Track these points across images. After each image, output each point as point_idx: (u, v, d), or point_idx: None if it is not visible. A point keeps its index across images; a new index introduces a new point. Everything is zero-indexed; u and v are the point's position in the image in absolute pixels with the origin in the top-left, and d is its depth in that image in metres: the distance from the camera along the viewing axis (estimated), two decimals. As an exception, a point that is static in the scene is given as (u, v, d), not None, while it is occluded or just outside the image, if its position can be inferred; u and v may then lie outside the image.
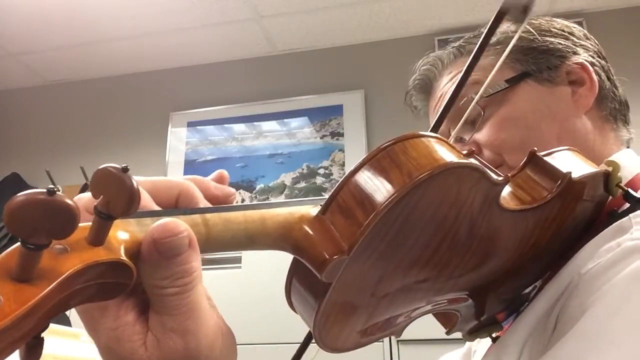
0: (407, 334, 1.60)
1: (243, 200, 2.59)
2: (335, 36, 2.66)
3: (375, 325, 0.43)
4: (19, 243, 0.23)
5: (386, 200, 0.32)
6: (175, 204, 0.38)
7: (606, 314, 0.39)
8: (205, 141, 2.75)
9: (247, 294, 1.93)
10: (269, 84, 2.74)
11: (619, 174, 0.50)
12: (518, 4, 0.58)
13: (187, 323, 0.32)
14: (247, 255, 2.03)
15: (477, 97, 0.63)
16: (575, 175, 0.45)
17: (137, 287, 0.32)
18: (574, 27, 0.72)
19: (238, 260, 2.04)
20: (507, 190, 0.45)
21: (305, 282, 0.36)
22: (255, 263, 2.00)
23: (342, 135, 2.57)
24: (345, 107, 2.61)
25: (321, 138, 2.61)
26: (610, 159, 0.51)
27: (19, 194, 0.22)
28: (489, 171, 0.38)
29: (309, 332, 0.61)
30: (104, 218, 0.26)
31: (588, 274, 0.45)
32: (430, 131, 0.57)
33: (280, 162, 2.63)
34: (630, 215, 0.48)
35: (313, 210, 0.36)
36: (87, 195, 0.33)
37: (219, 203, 0.40)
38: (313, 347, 0.60)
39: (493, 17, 0.56)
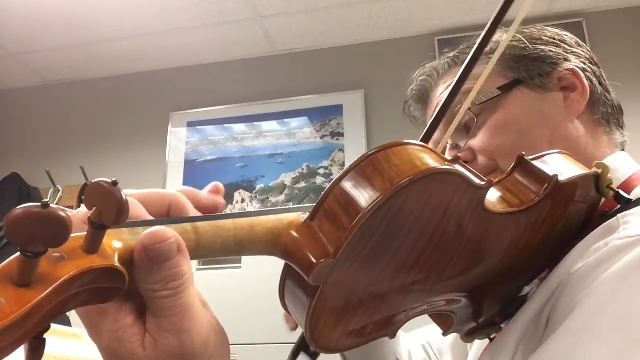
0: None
1: (243, 200, 2.59)
2: (335, 36, 2.66)
3: (369, 326, 0.44)
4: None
5: (369, 205, 0.34)
6: (167, 214, 0.41)
7: (593, 312, 0.40)
8: (205, 141, 2.75)
9: (247, 294, 1.93)
10: (269, 84, 2.74)
11: (609, 175, 0.50)
12: None
13: (181, 323, 0.34)
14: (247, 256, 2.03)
15: (466, 103, 0.65)
16: (563, 177, 0.46)
17: (135, 292, 0.35)
18: (566, 35, 0.74)
19: (238, 260, 2.05)
20: (496, 194, 0.46)
21: (296, 284, 0.38)
22: (255, 263, 2.00)
23: (342, 135, 2.57)
24: (345, 107, 2.61)
25: (321, 138, 2.61)
26: (602, 161, 0.52)
27: (17, 208, 0.25)
28: (471, 176, 0.39)
29: (300, 338, 0.62)
30: (97, 228, 0.29)
31: (577, 274, 0.46)
32: (422, 139, 0.59)
33: (280, 162, 2.63)
34: (619, 215, 0.49)
35: (302, 216, 0.38)
36: (85, 209, 0.36)
37: (209, 212, 0.42)
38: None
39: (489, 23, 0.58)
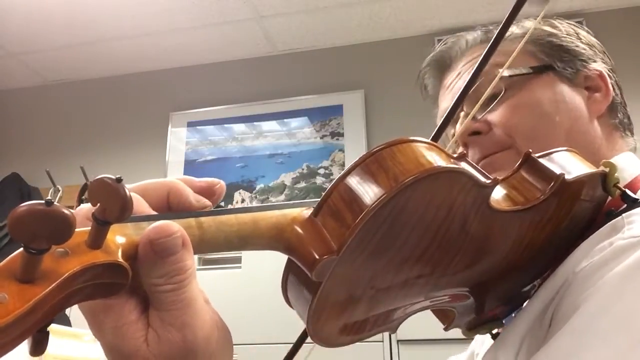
0: (407, 334, 1.61)
1: (243, 200, 2.59)
2: (335, 36, 2.66)
3: (370, 320, 0.44)
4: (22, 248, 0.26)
5: (373, 203, 0.34)
6: (167, 202, 0.41)
7: (597, 311, 0.40)
8: (205, 141, 2.75)
9: (247, 294, 1.93)
10: (269, 84, 2.74)
11: (616, 174, 0.50)
12: None
13: (184, 317, 0.34)
14: (247, 255, 2.03)
15: (504, 68, 0.64)
16: (570, 176, 0.46)
17: (138, 288, 0.35)
18: (596, 42, 0.75)
19: (238, 260, 2.05)
20: (501, 191, 0.45)
21: (299, 279, 0.38)
22: (255, 263, 2.00)
23: (342, 135, 2.57)
24: (345, 107, 2.61)
25: (321, 138, 2.61)
26: (609, 160, 0.51)
27: (21, 205, 0.25)
28: (477, 174, 0.39)
29: (302, 332, 0.62)
30: (101, 224, 0.29)
31: (581, 273, 0.46)
32: (451, 108, 0.58)
33: (280, 162, 2.63)
34: (624, 214, 0.49)
35: (305, 212, 0.38)
36: (89, 205, 0.36)
37: (206, 194, 0.43)
38: (307, 347, 0.60)
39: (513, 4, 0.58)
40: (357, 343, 0.45)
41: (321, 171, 2.55)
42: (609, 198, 0.53)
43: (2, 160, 2.91)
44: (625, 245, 0.44)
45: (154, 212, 0.40)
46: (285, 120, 2.69)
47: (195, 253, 0.35)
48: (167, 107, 2.82)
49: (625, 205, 0.51)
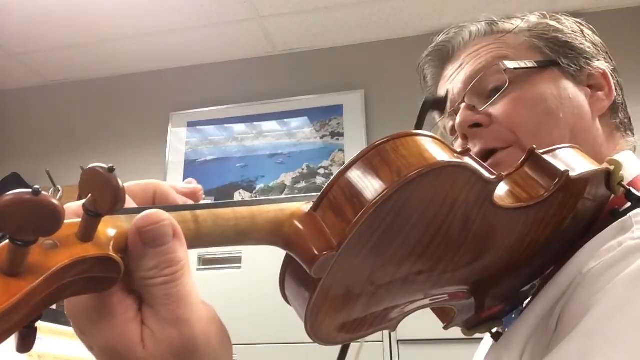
0: (407, 334, 1.61)
1: (243, 200, 2.58)
2: (335, 36, 2.66)
3: (369, 317, 0.43)
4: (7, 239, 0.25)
5: (375, 198, 0.33)
6: (153, 202, 0.40)
7: (609, 313, 0.40)
8: (205, 141, 2.75)
9: (247, 294, 1.93)
10: (269, 84, 2.74)
11: (620, 172, 0.50)
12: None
13: (178, 312, 0.32)
14: (247, 255, 2.03)
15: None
16: (574, 173, 0.45)
17: (132, 286, 0.33)
18: (599, 41, 0.75)
19: (238, 260, 2.04)
20: (504, 187, 0.45)
21: (297, 275, 0.37)
22: (255, 263, 2.00)
23: (342, 135, 2.57)
24: (345, 107, 2.61)
25: (321, 138, 2.61)
26: (614, 158, 0.51)
27: (6, 194, 0.24)
28: (481, 169, 0.38)
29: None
30: (92, 215, 0.27)
31: (590, 274, 0.45)
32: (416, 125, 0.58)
33: (280, 162, 2.63)
34: (631, 214, 0.48)
35: (305, 206, 0.37)
36: (75, 202, 0.35)
37: (189, 198, 0.42)
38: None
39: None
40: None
41: (321, 171, 2.55)
42: (612, 196, 0.53)
43: (2, 160, 2.91)
44: (635, 246, 0.44)
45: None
46: (285, 120, 2.68)
47: (190, 247, 0.34)
48: (167, 107, 2.82)
49: (630, 203, 0.51)
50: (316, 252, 0.33)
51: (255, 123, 2.72)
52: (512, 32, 0.71)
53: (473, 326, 0.56)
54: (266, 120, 2.70)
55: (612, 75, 0.71)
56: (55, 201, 0.24)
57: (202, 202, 0.44)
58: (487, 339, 0.71)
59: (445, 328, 0.54)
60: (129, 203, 0.37)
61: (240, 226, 0.35)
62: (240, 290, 1.95)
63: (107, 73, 2.94)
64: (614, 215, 0.51)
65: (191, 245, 0.34)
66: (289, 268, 0.38)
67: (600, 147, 0.67)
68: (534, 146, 0.48)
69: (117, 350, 0.32)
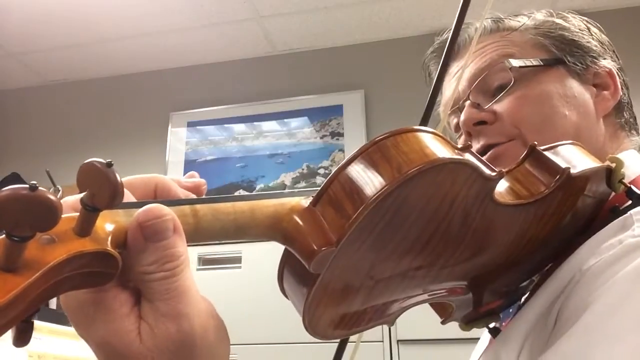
0: (407, 334, 1.61)
1: (243, 200, 2.58)
2: (335, 36, 2.66)
3: (368, 312, 0.43)
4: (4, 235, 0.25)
5: (374, 194, 0.33)
6: (154, 196, 0.40)
7: (609, 311, 0.40)
8: (205, 141, 2.75)
9: (247, 294, 1.93)
10: (269, 84, 2.74)
11: (622, 170, 0.50)
12: None
13: (178, 307, 0.32)
14: (247, 255, 2.03)
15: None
16: (575, 170, 0.45)
17: (129, 281, 0.33)
18: (606, 39, 0.75)
19: (238, 260, 2.04)
20: (504, 184, 0.45)
21: (296, 270, 0.37)
22: (255, 263, 2.00)
23: (342, 135, 2.57)
24: (345, 107, 2.61)
25: (321, 138, 2.61)
26: (615, 156, 0.51)
27: (3, 189, 0.23)
28: (482, 166, 0.38)
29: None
30: (90, 210, 0.27)
31: (590, 271, 0.45)
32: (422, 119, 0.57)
33: (280, 162, 2.63)
34: (632, 212, 0.48)
35: (304, 201, 0.36)
36: (73, 196, 0.35)
37: (193, 193, 0.42)
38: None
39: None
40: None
41: (321, 171, 2.55)
42: (612, 194, 0.53)
43: (2, 160, 2.91)
44: (635, 244, 0.44)
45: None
46: (285, 120, 2.69)
47: (190, 242, 0.34)
48: (167, 107, 2.82)
49: (630, 201, 0.50)
50: (315, 248, 0.33)
51: (255, 123, 2.72)
52: (518, 30, 0.71)
53: (471, 321, 0.55)
54: (266, 120, 2.70)
55: (618, 74, 0.71)
56: (52, 197, 0.24)
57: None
58: (484, 337, 0.71)
59: (443, 323, 0.54)
60: (128, 197, 0.37)
61: (239, 220, 0.35)
62: (240, 290, 1.95)
63: (107, 73, 2.94)
64: (614, 213, 0.51)
65: (190, 239, 0.34)
66: (287, 262, 0.38)
67: (603, 146, 0.67)
68: (535, 142, 0.48)
69: (112, 345, 0.32)
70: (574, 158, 0.47)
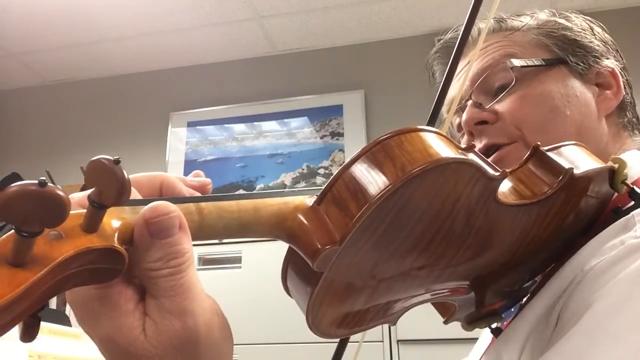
0: (407, 334, 1.61)
1: (243, 200, 2.58)
2: (335, 36, 2.66)
3: (370, 311, 0.43)
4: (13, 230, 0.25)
5: (378, 193, 0.33)
6: (160, 194, 0.40)
7: (610, 311, 0.40)
8: (205, 141, 2.75)
9: (247, 294, 1.93)
10: (269, 84, 2.74)
11: (625, 171, 0.50)
12: None
13: (184, 303, 0.33)
14: (247, 255, 2.03)
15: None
16: (578, 170, 0.45)
17: (134, 278, 0.34)
18: (609, 38, 0.74)
19: (238, 260, 2.04)
20: (507, 184, 0.45)
21: (299, 268, 0.37)
22: (255, 263, 2.00)
23: (342, 135, 2.57)
24: (345, 107, 2.61)
25: (321, 138, 2.61)
26: (618, 156, 0.51)
27: (12, 185, 0.24)
28: (485, 166, 0.38)
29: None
30: (97, 207, 0.27)
31: (592, 271, 0.45)
32: (428, 121, 0.57)
33: (280, 162, 2.63)
34: (634, 212, 0.48)
35: (308, 200, 0.37)
36: (81, 193, 0.35)
37: (198, 192, 0.42)
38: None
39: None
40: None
41: (321, 171, 2.55)
42: (615, 195, 0.53)
43: (2, 160, 2.91)
44: (637, 245, 0.43)
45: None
46: (285, 120, 2.69)
47: (194, 239, 0.34)
48: (167, 107, 2.82)
49: (633, 202, 0.50)
50: (319, 246, 0.33)
51: (255, 123, 2.72)
52: (521, 29, 0.71)
53: (473, 321, 0.55)
54: (266, 120, 2.70)
55: (621, 74, 0.70)
56: (61, 192, 0.24)
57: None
58: (484, 337, 0.71)
59: (446, 322, 0.54)
60: (134, 195, 0.37)
61: (243, 219, 0.35)
62: (240, 290, 1.95)
63: (107, 73, 2.94)
64: (616, 214, 0.50)
65: (195, 237, 0.34)
66: (291, 261, 0.38)
67: (605, 146, 0.66)
68: (538, 143, 0.48)
69: (117, 341, 0.32)
70: (577, 159, 0.47)
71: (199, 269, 2.05)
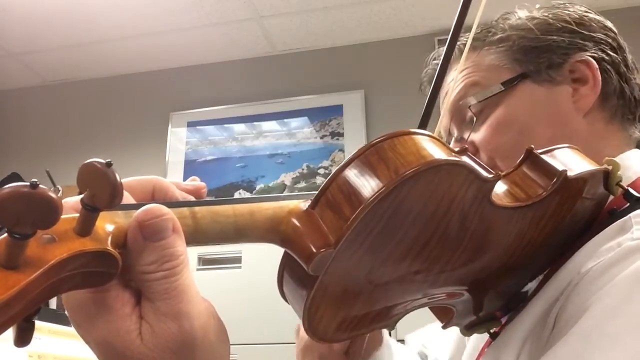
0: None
1: (243, 200, 2.59)
2: (335, 36, 2.66)
3: (368, 316, 0.43)
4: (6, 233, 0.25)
5: (372, 195, 0.33)
6: (152, 197, 0.40)
7: (608, 314, 0.39)
8: (205, 141, 2.75)
9: (247, 294, 1.93)
10: (269, 84, 2.74)
11: (619, 172, 0.49)
12: None
13: (179, 306, 0.32)
14: (247, 255, 2.03)
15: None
16: (572, 173, 0.45)
17: (130, 281, 0.34)
18: (587, 17, 0.69)
19: (238, 260, 2.04)
20: (502, 187, 0.45)
21: (295, 273, 0.37)
22: (255, 263, 2.00)
23: (342, 135, 2.57)
24: (345, 107, 2.61)
25: (321, 138, 2.61)
26: (613, 158, 0.50)
27: (4, 187, 0.24)
28: (479, 168, 0.38)
29: None
30: (90, 210, 0.28)
31: (588, 274, 0.45)
32: (419, 125, 0.58)
33: (280, 162, 2.63)
34: (631, 214, 0.47)
35: (303, 204, 0.37)
36: (73, 197, 0.35)
37: (193, 195, 0.42)
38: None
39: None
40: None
41: (321, 171, 2.55)
42: (611, 197, 0.53)
43: (1, 160, 2.91)
44: (634, 247, 0.43)
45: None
46: (285, 120, 2.69)
47: (189, 244, 0.34)
48: (167, 107, 2.82)
49: (628, 204, 0.50)
50: (314, 250, 0.33)
51: (255, 123, 2.72)
52: (482, 50, 0.70)
53: (472, 326, 0.55)
54: (266, 120, 2.70)
55: (602, 58, 0.65)
56: (52, 194, 0.24)
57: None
58: (474, 338, 0.71)
59: (444, 328, 0.54)
60: (127, 199, 0.37)
61: (238, 223, 0.35)
62: (240, 290, 1.95)
63: (107, 73, 2.94)
64: (612, 216, 0.50)
65: (189, 241, 0.34)
66: (286, 266, 0.38)
67: (592, 147, 0.62)
68: (532, 146, 0.48)
69: (113, 345, 0.32)
70: (570, 161, 0.47)
71: (199, 269, 2.05)
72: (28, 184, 0.24)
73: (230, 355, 0.38)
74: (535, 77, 0.66)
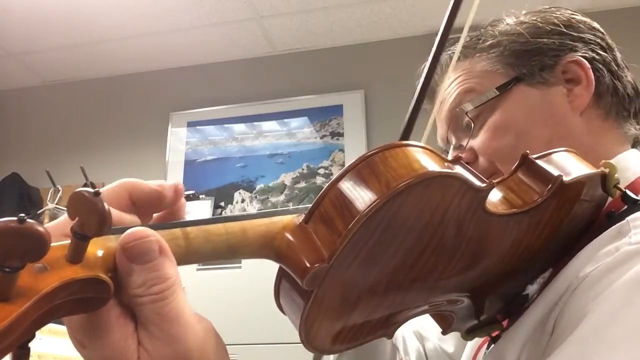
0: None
1: (243, 200, 2.59)
2: (335, 36, 2.66)
3: (366, 326, 0.43)
4: None
5: (364, 209, 0.33)
6: (132, 200, 0.40)
7: (606, 319, 0.39)
8: (205, 141, 2.75)
9: (247, 294, 1.93)
10: (269, 84, 2.74)
11: (616, 175, 0.49)
12: None
13: (171, 331, 0.32)
14: (247, 255, 2.03)
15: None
16: (568, 177, 0.45)
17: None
18: (574, 19, 0.70)
19: (238, 260, 2.05)
20: (498, 194, 0.45)
21: (291, 286, 0.37)
22: (255, 263, 2.00)
23: (342, 135, 2.57)
24: (345, 107, 2.61)
25: (321, 138, 2.61)
26: (610, 160, 0.50)
27: None
28: (472, 178, 0.38)
29: None
30: (80, 238, 0.28)
31: (587, 278, 0.45)
32: (401, 137, 0.57)
33: (280, 162, 2.63)
34: (629, 218, 0.47)
35: (296, 219, 0.37)
36: (64, 217, 0.36)
37: (159, 197, 0.42)
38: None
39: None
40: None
41: (321, 171, 2.55)
42: (609, 199, 0.52)
43: (2, 160, 2.91)
44: (632, 251, 0.43)
45: (125, 216, 0.39)
46: (285, 120, 2.69)
47: (181, 264, 0.34)
48: (167, 107, 2.82)
49: (626, 206, 0.50)
50: (308, 265, 0.33)
51: (255, 123, 2.72)
52: (474, 57, 0.70)
53: (472, 330, 0.55)
54: (266, 120, 2.70)
55: (593, 58, 0.66)
56: (41, 228, 0.25)
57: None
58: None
59: (444, 334, 0.54)
60: (117, 214, 0.38)
61: (231, 241, 0.35)
62: (240, 290, 1.95)
63: (107, 73, 2.94)
64: (611, 218, 0.50)
65: (182, 262, 0.34)
66: (283, 279, 0.38)
67: (589, 146, 0.63)
68: (527, 151, 0.48)
69: None
70: (567, 165, 0.47)
71: (199, 269, 2.05)
72: (15, 219, 0.24)
73: (230, 355, 0.38)
74: (529, 80, 0.67)
